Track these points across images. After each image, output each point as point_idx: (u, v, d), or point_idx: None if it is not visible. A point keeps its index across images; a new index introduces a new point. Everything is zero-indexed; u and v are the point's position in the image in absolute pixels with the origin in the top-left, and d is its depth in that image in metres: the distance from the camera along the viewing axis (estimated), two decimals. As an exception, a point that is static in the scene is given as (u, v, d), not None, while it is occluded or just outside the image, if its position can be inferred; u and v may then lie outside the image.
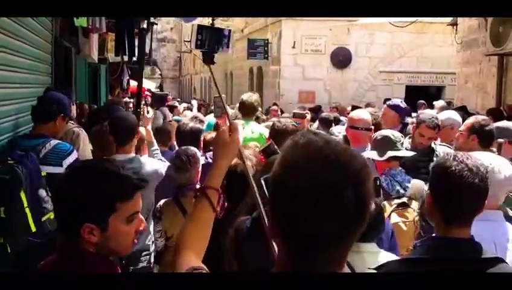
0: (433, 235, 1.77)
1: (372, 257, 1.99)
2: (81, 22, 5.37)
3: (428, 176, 1.79)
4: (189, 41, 1.63)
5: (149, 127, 3.80)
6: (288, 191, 0.94)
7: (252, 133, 4.46)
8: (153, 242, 3.34)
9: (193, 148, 3.34)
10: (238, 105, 5.21)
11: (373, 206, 2.14)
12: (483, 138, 3.48)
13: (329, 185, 0.91)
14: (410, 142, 3.82)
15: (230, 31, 1.62)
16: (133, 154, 3.31)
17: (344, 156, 0.94)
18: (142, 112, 4.01)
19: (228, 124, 1.62)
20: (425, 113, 4.43)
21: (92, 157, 3.51)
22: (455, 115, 4.52)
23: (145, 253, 3.35)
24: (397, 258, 2.02)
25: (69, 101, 3.24)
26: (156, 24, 4.57)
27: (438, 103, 8.80)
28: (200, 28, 1.58)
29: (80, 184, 1.43)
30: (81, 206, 1.42)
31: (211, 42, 1.62)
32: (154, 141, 3.79)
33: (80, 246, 1.43)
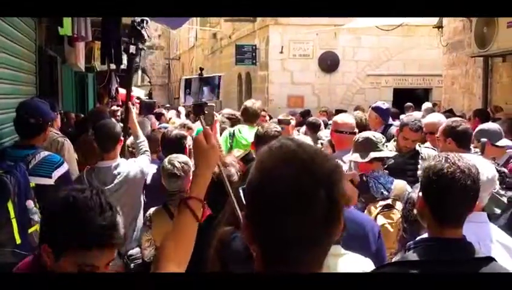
0: (427, 236, 1.78)
1: (336, 260, 1.97)
2: (65, 30, 5.35)
3: (420, 178, 1.81)
4: (178, 97, 1.57)
5: (135, 119, 3.79)
6: (263, 196, 0.95)
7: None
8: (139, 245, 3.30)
9: (184, 156, 3.33)
10: (241, 111, 5.27)
11: None
12: (459, 140, 3.50)
13: (303, 187, 0.92)
14: (395, 146, 3.85)
15: (220, 77, 1.55)
16: (117, 161, 3.35)
17: (317, 158, 0.96)
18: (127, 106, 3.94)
19: (204, 130, 1.57)
20: (408, 116, 4.47)
21: (76, 167, 3.51)
22: (443, 119, 4.56)
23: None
24: (366, 259, 2.03)
25: (52, 106, 3.23)
26: (144, 49, 4.53)
27: (425, 105, 8.88)
28: (187, 81, 1.51)
29: (54, 210, 1.47)
30: (47, 228, 1.48)
31: (200, 94, 1.55)
32: (140, 133, 3.80)
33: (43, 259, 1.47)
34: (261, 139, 3.27)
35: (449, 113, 6.69)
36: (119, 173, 3.31)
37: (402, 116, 7.35)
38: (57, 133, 3.69)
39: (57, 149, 3.49)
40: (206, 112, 4.40)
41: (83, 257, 1.43)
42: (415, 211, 2.01)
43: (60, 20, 5.22)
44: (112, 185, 3.29)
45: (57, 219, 1.45)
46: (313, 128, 5.92)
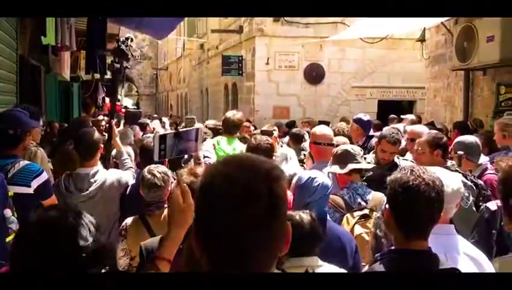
0: (392, 248, 1.81)
1: (312, 271, 2.00)
2: (48, 40, 5.33)
3: (387, 191, 1.83)
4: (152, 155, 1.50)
5: (117, 138, 3.89)
6: (205, 196, 0.98)
7: (233, 150, 4.55)
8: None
9: (163, 166, 3.34)
10: (221, 122, 5.29)
11: (308, 218, 2.18)
12: (446, 152, 3.57)
13: (244, 183, 0.95)
14: (374, 158, 3.90)
15: (198, 130, 1.49)
16: (96, 168, 3.41)
17: (256, 159, 1.01)
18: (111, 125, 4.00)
19: (179, 187, 1.52)
20: (386, 128, 4.53)
21: (51, 175, 3.52)
22: (426, 130, 4.63)
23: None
24: (341, 270, 2.05)
25: (36, 115, 3.22)
26: (128, 67, 4.56)
27: (408, 116, 8.99)
28: (162, 137, 1.45)
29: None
30: None
31: (176, 149, 1.48)
32: (123, 150, 3.88)
33: None
34: (253, 151, 3.28)
35: (430, 125, 6.79)
36: (95, 181, 3.35)
37: (385, 128, 7.43)
38: (31, 143, 3.69)
39: (30, 158, 3.50)
40: (187, 124, 4.40)
41: None
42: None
43: (43, 29, 5.21)
44: (87, 191, 3.31)
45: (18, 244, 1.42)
46: (296, 140, 5.95)
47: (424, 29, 10.03)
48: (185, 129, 1.48)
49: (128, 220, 3.14)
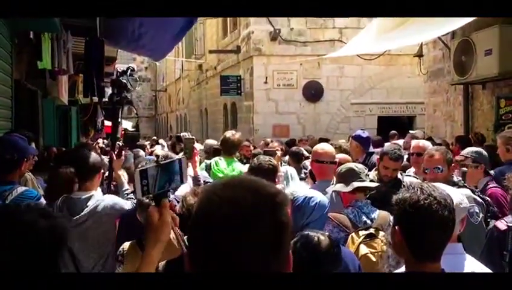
0: (404, 271, 1.72)
1: None
2: (44, 64, 5.31)
3: (394, 211, 1.72)
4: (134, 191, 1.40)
5: (120, 171, 3.89)
6: (203, 221, 0.91)
7: (232, 171, 4.49)
8: None
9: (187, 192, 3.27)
10: (220, 142, 5.25)
11: (327, 241, 2.10)
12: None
13: (246, 207, 0.88)
14: (376, 175, 3.83)
15: (181, 161, 1.39)
16: (93, 192, 3.35)
17: (259, 182, 0.94)
18: (111, 156, 3.99)
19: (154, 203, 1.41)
20: (388, 145, 4.47)
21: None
22: (428, 144, 4.57)
23: None
24: None
25: (28, 141, 3.18)
26: (128, 98, 4.60)
27: (414, 133, 8.93)
28: (143, 172, 1.31)
29: None
30: None
31: (159, 183, 1.37)
32: (125, 182, 3.84)
33: None
34: (254, 171, 3.20)
35: (429, 141, 6.74)
36: (88, 205, 3.27)
37: (386, 144, 7.37)
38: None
39: (19, 183, 3.44)
40: (186, 144, 4.36)
41: None
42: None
43: (39, 53, 5.19)
44: (78, 216, 3.22)
45: None
46: (296, 158, 5.88)
47: (421, 44, 10.06)
48: (166, 161, 1.36)
49: (126, 245, 3.06)
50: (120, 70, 5.57)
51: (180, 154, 4.45)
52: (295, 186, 4.24)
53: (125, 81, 5.47)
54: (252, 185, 0.93)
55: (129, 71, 5.46)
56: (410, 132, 9.83)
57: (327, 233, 2.19)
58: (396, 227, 1.68)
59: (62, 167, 3.91)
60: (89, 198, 3.27)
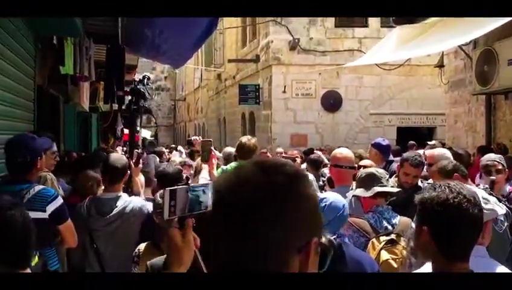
0: (434, 269, 1.66)
1: None
2: (66, 69, 5.39)
3: (419, 211, 1.67)
4: (161, 210, 1.35)
5: (138, 178, 4.01)
6: (226, 195, 0.91)
7: None
8: None
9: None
10: (235, 147, 5.24)
11: (327, 245, 2.04)
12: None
13: (264, 181, 0.88)
14: (397, 181, 3.78)
15: (208, 186, 1.35)
16: (119, 194, 3.40)
17: (280, 161, 0.95)
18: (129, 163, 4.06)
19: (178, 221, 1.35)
20: (410, 152, 4.41)
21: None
22: (447, 152, 4.50)
23: None
24: None
25: (49, 141, 3.20)
26: (147, 107, 4.73)
27: (433, 143, 8.81)
28: (173, 192, 1.27)
29: None
30: None
31: (188, 205, 1.33)
32: (141, 190, 3.97)
33: None
34: None
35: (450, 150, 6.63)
36: (117, 206, 3.31)
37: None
38: (45, 169, 3.68)
39: (38, 183, 3.48)
40: (203, 147, 4.35)
41: None
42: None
43: (62, 59, 5.28)
44: (108, 216, 3.26)
45: None
46: (315, 166, 5.85)
47: (442, 54, 9.96)
48: (196, 184, 1.32)
49: (141, 246, 3.07)
50: (137, 80, 5.66)
51: (198, 159, 4.45)
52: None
53: (142, 89, 5.57)
54: (276, 162, 0.94)
55: (145, 80, 5.57)
56: (429, 143, 9.70)
57: (334, 236, 2.13)
58: (424, 227, 1.62)
59: (88, 170, 4.01)
60: (117, 199, 3.32)
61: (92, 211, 3.29)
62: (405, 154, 3.99)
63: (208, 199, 1.29)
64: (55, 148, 4.16)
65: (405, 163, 3.72)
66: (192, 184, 1.34)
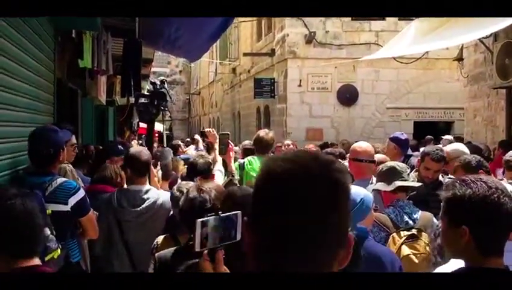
0: (464, 266, 1.63)
1: None
2: (85, 63, 5.42)
3: (453, 208, 1.61)
4: (193, 243, 1.28)
5: (156, 171, 3.95)
6: (265, 177, 0.92)
7: None
8: None
9: (192, 183, 3.28)
10: (253, 141, 5.25)
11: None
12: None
13: (305, 166, 0.90)
14: (417, 176, 3.73)
15: (237, 215, 1.29)
16: (148, 186, 3.45)
17: (318, 152, 1.01)
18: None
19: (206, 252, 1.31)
20: (430, 146, 4.36)
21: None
22: (462, 147, 4.43)
23: None
24: None
25: (70, 132, 3.22)
26: (167, 108, 4.85)
27: (446, 138, 8.71)
28: (204, 223, 1.23)
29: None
30: None
31: (218, 235, 1.28)
32: (159, 186, 3.95)
33: None
34: None
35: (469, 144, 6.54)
36: (148, 198, 3.35)
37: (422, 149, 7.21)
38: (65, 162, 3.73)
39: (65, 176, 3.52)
40: (220, 140, 4.36)
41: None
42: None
43: (80, 52, 5.31)
44: (139, 208, 3.30)
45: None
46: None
47: (462, 48, 9.80)
48: (226, 214, 1.25)
49: (159, 239, 3.08)
50: (154, 81, 5.72)
51: (213, 154, 4.44)
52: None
53: (164, 91, 5.62)
54: (313, 152, 0.97)
55: (165, 84, 5.64)
56: (443, 137, 9.58)
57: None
58: (464, 226, 1.56)
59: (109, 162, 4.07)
60: (147, 191, 3.35)
61: (123, 202, 3.32)
62: (426, 149, 3.94)
63: (238, 227, 1.24)
64: (74, 140, 4.20)
65: (426, 157, 3.67)
66: (222, 214, 1.30)
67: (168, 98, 5.83)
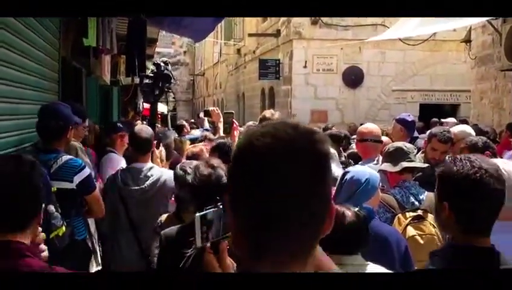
0: (453, 243, 1.67)
1: (356, 270, 1.87)
2: (90, 41, 5.36)
3: (438, 185, 1.67)
4: (194, 239, 1.23)
5: (159, 151, 3.98)
6: (244, 151, 0.88)
7: None
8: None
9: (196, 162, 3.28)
10: (259, 120, 5.20)
11: (352, 214, 2.03)
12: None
13: (286, 139, 0.85)
14: (423, 157, 3.71)
15: None
16: (150, 164, 3.48)
17: (299, 123, 0.91)
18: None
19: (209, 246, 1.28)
20: (437, 127, 4.33)
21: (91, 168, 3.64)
22: (469, 129, 4.39)
23: None
24: (386, 270, 1.90)
25: (81, 111, 3.23)
26: (170, 90, 4.87)
27: (448, 121, 8.64)
28: (203, 217, 1.20)
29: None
30: None
31: (219, 226, 1.23)
32: (161, 165, 4.01)
33: None
34: None
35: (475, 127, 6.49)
36: (151, 175, 3.38)
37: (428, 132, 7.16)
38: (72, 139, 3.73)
39: (76, 154, 3.52)
40: (225, 120, 4.33)
41: None
42: None
43: (85, 31, 5.25)
44: (144, 185, 3.33)
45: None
46: (333, 141, 5.84)
47: (470, 29, 9.67)
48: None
49: (163, 217, 3.09)
50: (159, 63, 5.66)
51: (221, 131, 4.42)
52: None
53: (167, 72, 5.56)
54: (293, 123, 0.90)
55: (169, 65, 5.60)
56: (444, 121, 9.47)
57: (357, 209, 2.11)
58: (444, 202, 1.61)
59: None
60: (150, 169, 3.39)
61: (128, 180, 3.34)
62: (433, 130, 3.92)
63: None
64: (87, 122, 4.23)
65: (433, 138, 3.65)
66: (222, 205, 1.26)
67: (172, 80, 5.78)
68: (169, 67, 6.12)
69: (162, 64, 5.73)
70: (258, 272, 0.86)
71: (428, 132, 4.58)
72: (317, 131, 0.90)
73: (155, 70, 6.48)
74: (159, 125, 9.34)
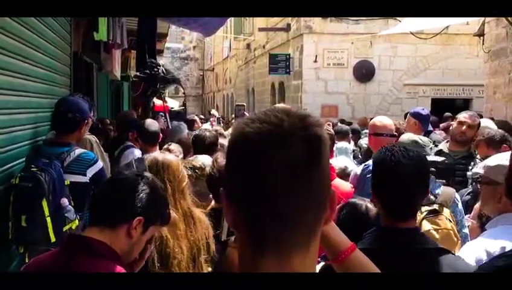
0: (380, 226, 1.76)
1: None
2: (100, 35, 5.37)
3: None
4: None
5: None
6: (236, 149, 0.85)
7: None
8: None
9: (202, 158, 3.28)
10: None
11: (374, 209, 2.00)
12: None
13: (276, 124, 0.82)
14: (448, 147, 3.80)
15: None
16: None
17: (292, 108, 0.88)
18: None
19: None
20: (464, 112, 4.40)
21: (107, 161, 3.80)
22: (489, 122, 4.36)
23: None
24: None
25: (89, 105, 3.23)
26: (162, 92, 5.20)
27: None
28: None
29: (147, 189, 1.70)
30: (144, 204, 1.64)
31: None
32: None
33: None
34: None
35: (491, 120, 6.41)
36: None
37: (442, 125, 7.09)
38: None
39: (92, 148, 3.54)
40: (236, 112, 4.38)
41: (154, 232, 1.70)
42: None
43: (96, 25, 5.26)
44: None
45: (154, 197, 1.67)
46: (341, 135, 5.86)
47: (483, 22, 9.54)
48: None
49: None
50: (150, 64, 5.70)
51: (230, 130, 4.44)
52: (343, 161, 4.22)
53: (156, 74, 5.63)
54: (285, 108, 0.87)
55: (162, 67, 5.68)
56: (457, 116, 9.38)
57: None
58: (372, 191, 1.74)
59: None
60: None
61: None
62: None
63: None
64: (92, 113, 4.22)
65: (459, 115, 3.85)
66: None
67: (158, 86, 5.86)
68: (162, 68, 6.09)
69: (155, 66, 5.77)
70: (260, 262, 0.83)
71: (441, 126, 4.62)
72: (310, 114, 0.87)
73: (147, 71, 6.52)
74: (163, 120, 9.36)
